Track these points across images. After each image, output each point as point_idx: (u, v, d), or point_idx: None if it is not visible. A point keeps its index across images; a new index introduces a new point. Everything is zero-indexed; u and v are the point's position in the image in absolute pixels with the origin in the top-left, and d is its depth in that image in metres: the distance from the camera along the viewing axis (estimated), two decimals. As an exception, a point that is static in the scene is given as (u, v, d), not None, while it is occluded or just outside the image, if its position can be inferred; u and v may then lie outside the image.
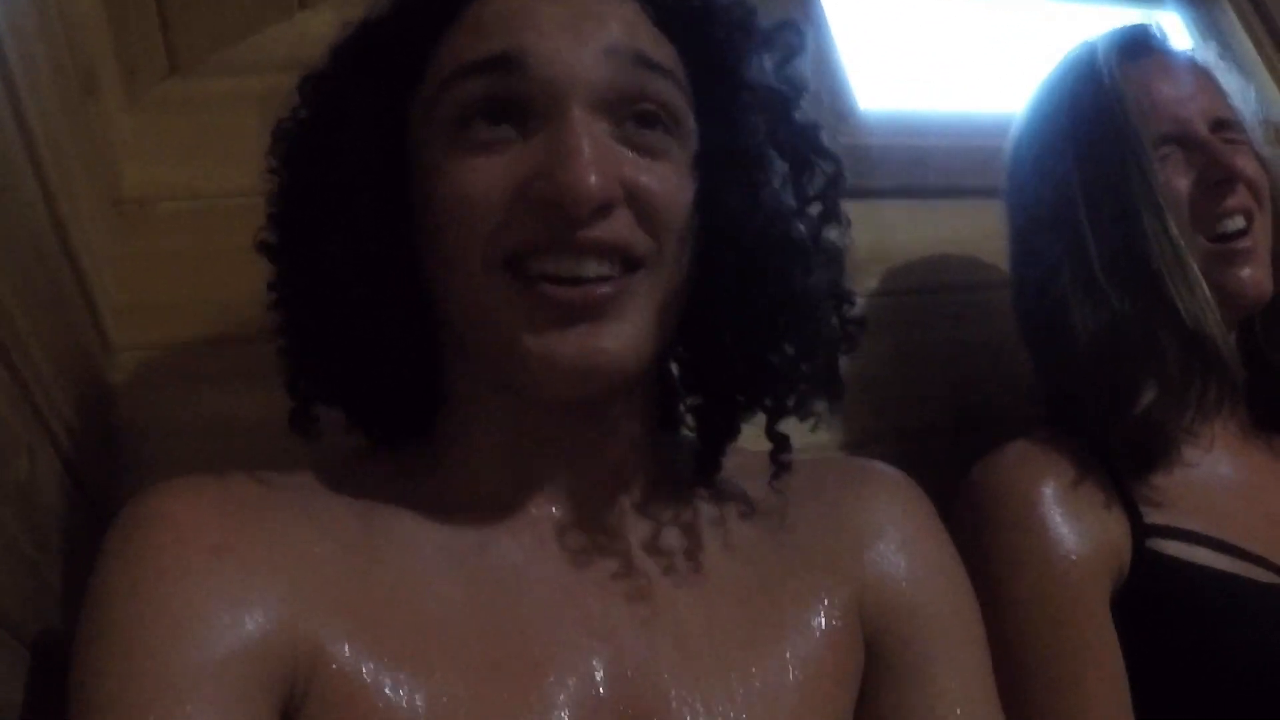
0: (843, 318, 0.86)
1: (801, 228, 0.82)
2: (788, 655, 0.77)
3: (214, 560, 0.69)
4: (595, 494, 0.83)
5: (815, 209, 0.85)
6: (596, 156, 0.72)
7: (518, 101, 0.75)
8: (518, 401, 0.79)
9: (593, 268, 0.74)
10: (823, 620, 0.80)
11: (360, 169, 0.78)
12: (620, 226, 0.75)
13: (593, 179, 0.71)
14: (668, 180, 0.77)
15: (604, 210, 0.73)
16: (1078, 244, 1.12)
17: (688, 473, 0.88)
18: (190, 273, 1.14)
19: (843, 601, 0.82)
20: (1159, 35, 1.25)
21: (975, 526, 1.04)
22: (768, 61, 0.85)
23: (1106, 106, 1.14)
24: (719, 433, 0.89)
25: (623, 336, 0.75)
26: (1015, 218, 1.25)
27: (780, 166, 0.83)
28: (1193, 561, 1.03)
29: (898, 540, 0.86)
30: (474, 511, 0.80)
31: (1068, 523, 1.04)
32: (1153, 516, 1.06)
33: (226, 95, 1.23)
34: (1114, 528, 1.06)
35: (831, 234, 0.86)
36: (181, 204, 1.17)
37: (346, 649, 0.69)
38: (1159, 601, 1.03)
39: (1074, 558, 1.03)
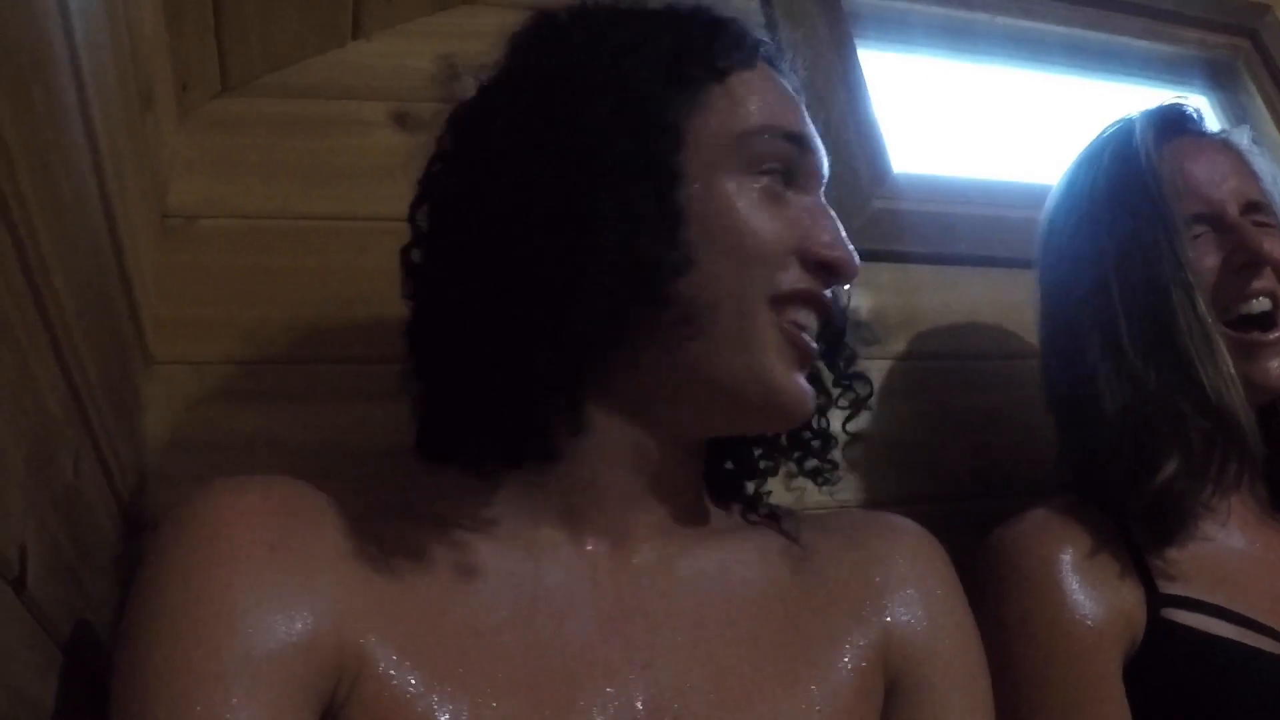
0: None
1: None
2: (815, 692, 0.81)
3: (269, 556, 0.71)
4: (653, 529, 0.86)
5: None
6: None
7: (794, 174, 0.87)
8: (653, 437, 0.85)
9: (815, 324, 0.87)
10: (848, 661, 0.84)
11: (656, 166, 0.80)
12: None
13: (856, 256, 0.86)
14: None
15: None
16: (1108, 317, 1.13)
17: (724, 517, 0.94)
18: (230, 290, 1.15)
19: (867, 645, 0.86)
20: (1195, 116, 1.27)
21: (993, 590, 1.05)
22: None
23: (1142, 184, 1.16)
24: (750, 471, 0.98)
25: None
26: (1047, 288, 1.27)
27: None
28: (1206, 632, 1.04)
29: (918, 590, 0.91)
30: (536, 534, 0.82)
31: (1083, 589, 1.05)
32: (1168, 587, 1.07)
33: (276, 117, 1.26)
34: (1129, 596, 1.07)
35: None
36: (225, 221, 1.19)
37: (393, 657, 0.70)
38: (1172, 671, 1.04)
39: (1088, 623, 1.04)
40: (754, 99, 0.86)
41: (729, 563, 0.88)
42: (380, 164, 1.24)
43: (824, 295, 0.86)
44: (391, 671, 0.70)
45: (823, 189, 0.90)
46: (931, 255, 1.48)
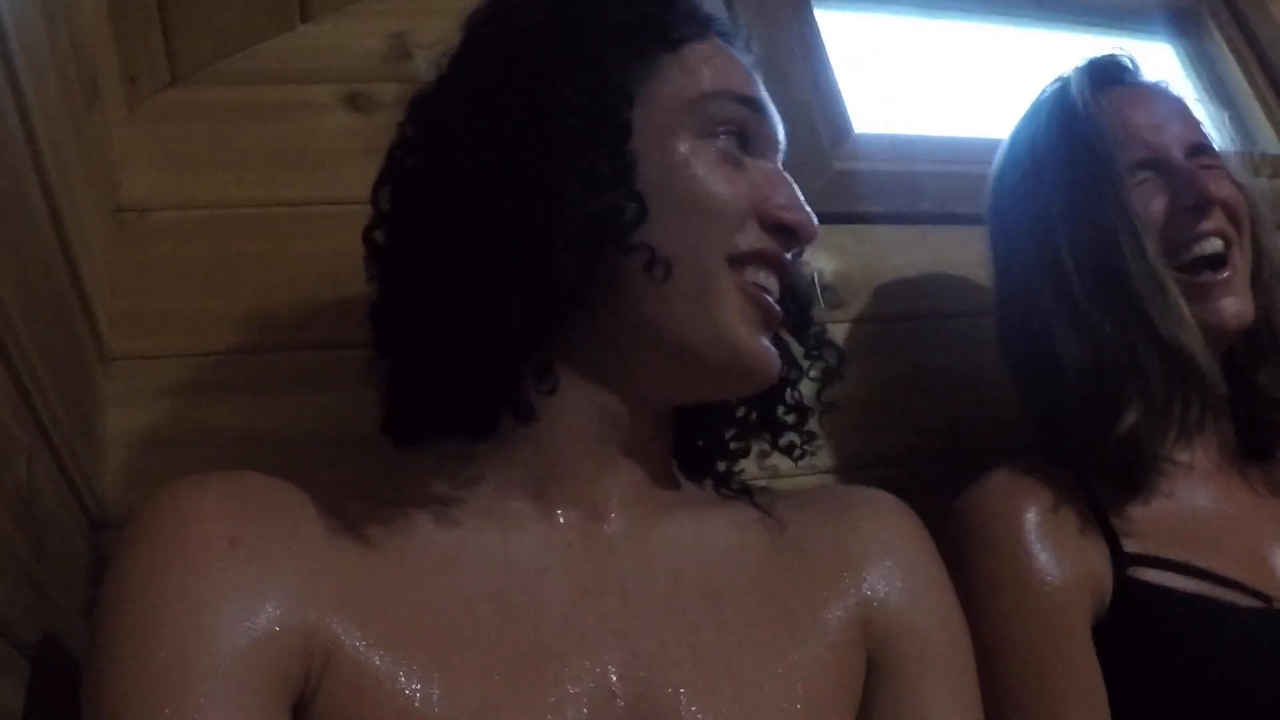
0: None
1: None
2: (796, 664, 0.81)
3: (230, 552, 0.70)
4: (630, 503, 0.86)
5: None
6: None
7: (749, 137, 0.88)
8: (622, 400, 0.85)
9: (776, 285, 0.88)
10: (829, 632, 0.85)
11: (607, 128, 0.82)
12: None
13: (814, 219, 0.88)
14: None
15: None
16: (1058, 269, 1.13)
17: (696, 491, 0.95)
18: (188, 282, 1.14)
19: (846, 616, 0.86)
20: (1131, 65, 1.27)
21: (959, 552, 1.04)
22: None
23: (1082, 133, 1.16)
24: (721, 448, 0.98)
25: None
26: (997, 245, 1.27)
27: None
28: (1173, 588, 1.04)
29: (896, 562, 0.91)
30: (504, 507, 0.82)
31: (1048, 549, 1.05)
32: (1132, 545, 1.07)
33: (226, 105, 1.25)
34: (1094, 555, 1.07)
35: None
36: (178, 213, 1.17)
37: (363, 641, 0.71)
38: (1141, 628, 1.04)
39: (1054, 582, 1.04)
40: (706, 66, 0.87)
41: (704, 534, 0.88)
42: (335, 147, 1.23)
43: (783, 257, 0.87)
44: (361, 655, 0.70)
45: (780, 156, 0.91)
46: (894, 214, 1.47)
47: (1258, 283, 1.18)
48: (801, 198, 0.87)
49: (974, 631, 0.93)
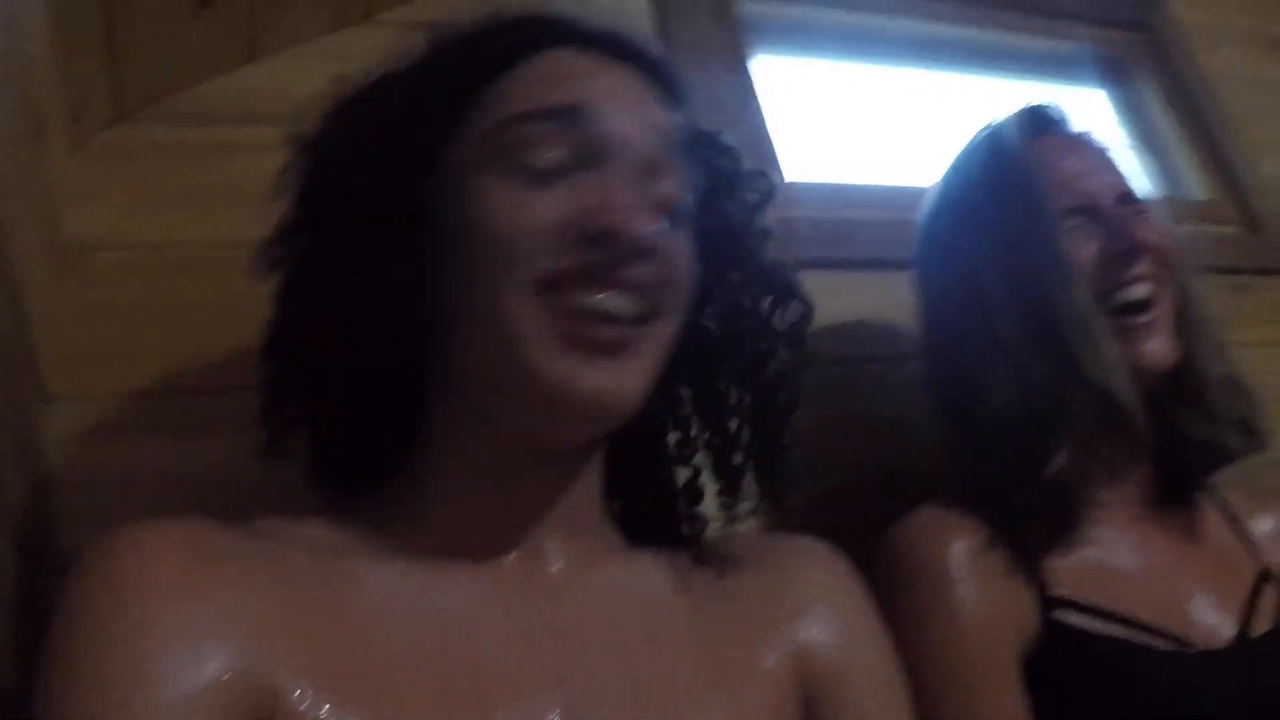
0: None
1: (762, 353, 0.94)
2: (734, 713, 0.82)
3: (176, 600, 0.70)
4: (556, 542, 0.86)
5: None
6: (644, 206, 0.80)
7: (573, 148, 0.81)
8: (501, 446, 0.83)
9: (625, 305, 0.79)
10: (765, 682, 0.85)
11: (392, 189, 0.83)
12: (650, 274, 0.80)
13: (645, 223, 0.79)
14: (684, 250, 0.85)
15: (647, 255, 0.79)
16: (989, 313, 1.16)
17: (634, 535, 0.94)
18: (131, 322, 1.14)
19: (782, 665, 0.87)
20: (1059, 114, 1.30)
21: (889, 588, 1.06)
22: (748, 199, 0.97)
23: (1014, 179, 1.19)
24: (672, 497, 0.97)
25: (634, 380, 0.80)
26: (927, 290, 1.29)
27: (757, 292, 0.95)
28: (1094, 632, 1.07)
29: (831, 610, 0.92)
30: (435, 554, 0.82)
31: (975, 583, 1.08)
32: (1056, 590, 1.10)
33: (171, 144, 1.25)
34: (1021, 595, 1.09)
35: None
36: (123, 253, 1.17)
37: (307, 691, 0.70)
38: (1063, 671, 1.06)
39: (981, 614, 1.06)
40: (526, 85, 0.84)
41: (640, 580, 0.89)
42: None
43: (616, 270, 0.78)
44: (305, 706, 0.70)
45: (627, 160, 0.82)
46: (826, 261, 1.49)
47: (1182, 326, 1.21)
48: (629, 201, 0.79)
49: (905, 667, 0.96)
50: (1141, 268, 1.18)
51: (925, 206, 1.31)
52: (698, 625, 0.87)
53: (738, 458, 0.94)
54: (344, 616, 0.76)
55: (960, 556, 1.09)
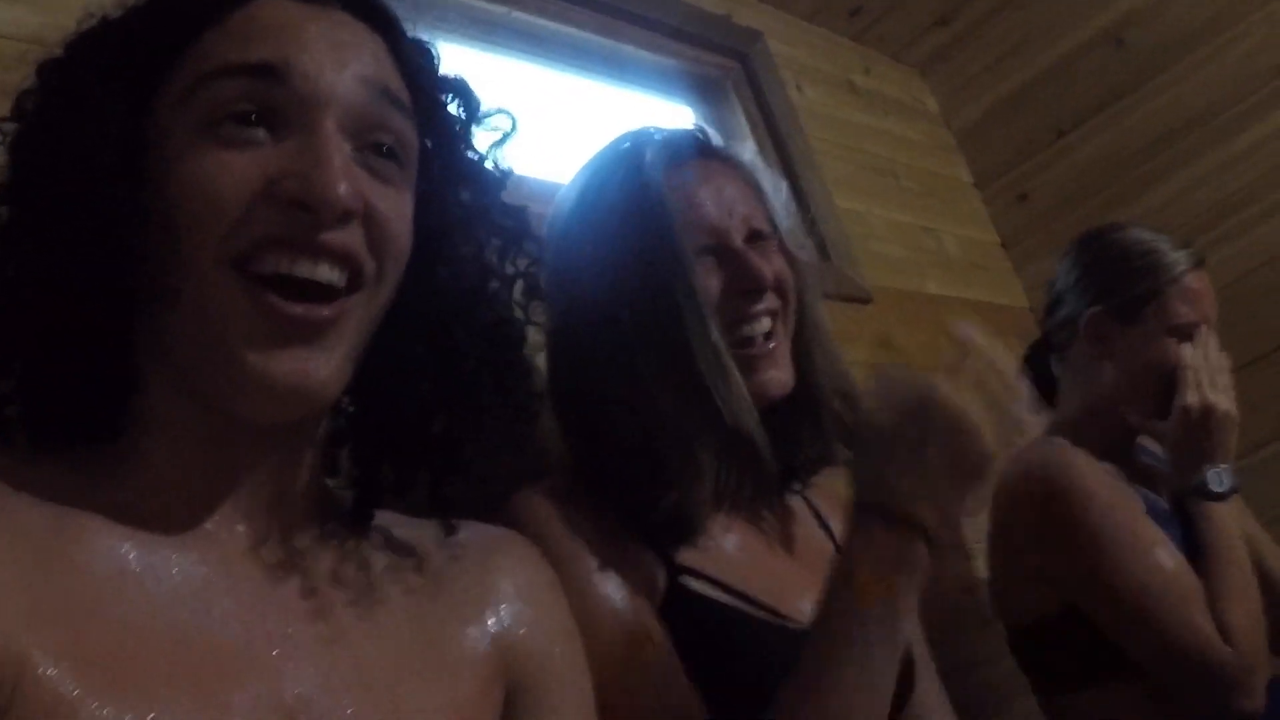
0: (520, 393, 0.91)
1: (497, 306, 0.90)
2: (447, 689, 0.83)
3: None
4: (279, 518, 0.82)
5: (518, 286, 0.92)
6: (346, 167, 0.75)
7: (273, 108, 0.75)
8: (212, 417, 0.77)
9: (325, 272, 0.75)
10: (475, 664, 0.86)
11: (93, 155, 0.73)
12: (356, 239, 0.76)
13: (343, 186, 0.73)
14: (399, 209, 0.81)
15: (345, 219, 0.75)
16: (620, 343, 1.16)
17: (349, 515, 0.90)
18: None
19: (488, 650, 0.88)
20: (705, 139, 1.31)
21: None
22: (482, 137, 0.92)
23: (651, 213, 1.18)
24: (381, 481, 0.91)
25: (333, 363, 0.76)
26: (558, 300, 1.22)
27: (488, 240, 0.91)
28: (715, 599, 1.13)
29: (530, 603, 0.93)
30: (163, 524, 0.76)
31: (604, 551, 1.10)
32: (682, 559, 1.14)
33: None
34: (647, 558, 1.13)
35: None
36: None
37: (50, 664, 0.64)
38: (687, 631, 1.10)
39: (621, 581, 1.09)
40: (229, 38, 0.77)
41: (365, 558, 0.87)
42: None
43: (310, 237, 0.74)
44: (50, 677, 0.63)
45: (333, 117, 0.76)
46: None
47: (799, 347, 1.26)
48: (332, 163, 0.74)
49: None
50: (764, 304, 1.22)
51: (559, 210, 1.29)
52: (411, 607, 0.86)
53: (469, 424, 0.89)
54: (83, 583, 0.69)
55: (589, 530, 1.11)
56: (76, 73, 0.78)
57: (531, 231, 0.95)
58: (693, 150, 1.28)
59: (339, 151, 0.75)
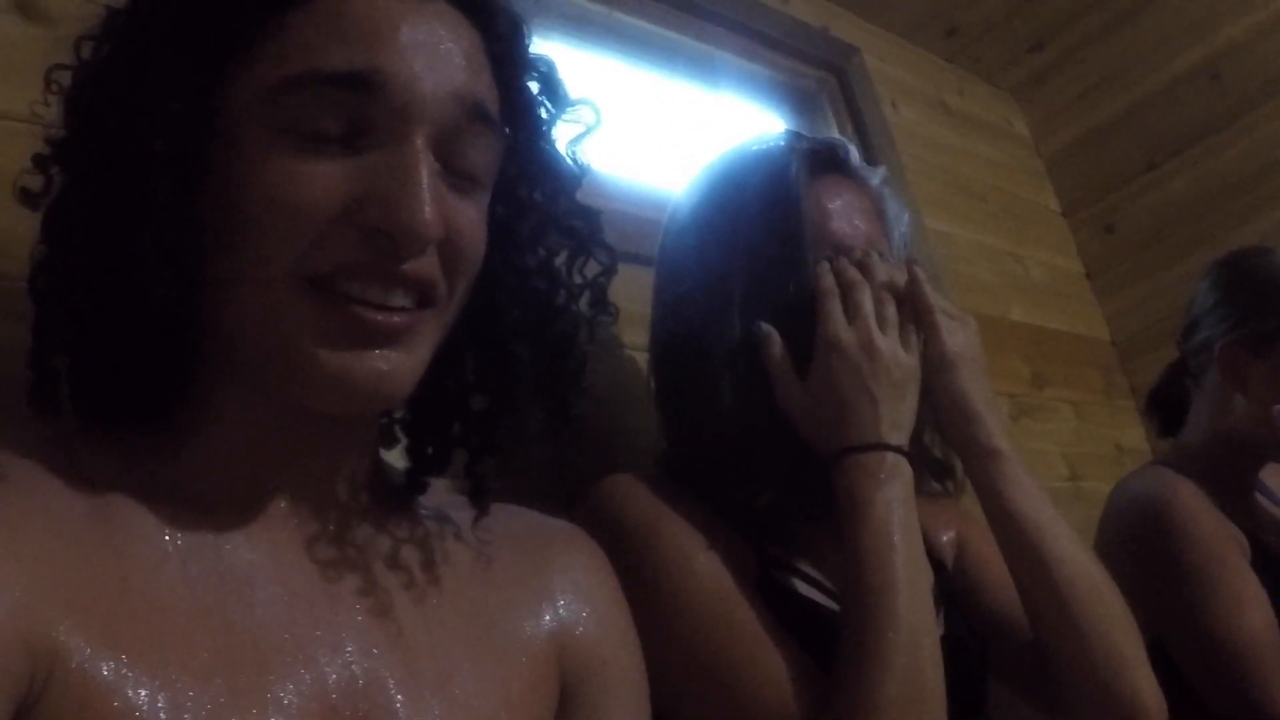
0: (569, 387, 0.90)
1: (561, 320, 0.88)
2: (503, 679, 0.81)
3: None
4: (332, 504, 0.82)
5: (585, 296, 0.90)
6: (434, 194, 0.72)
7: (361, 119, 0.72)
8: (272, 405, 0.76)
9: (399, 298, 0.74)
10: (530, 653, 0.85)
11: (154, 135, 0.69)
12: (433, 266, 0.75)
13: (429, 213, 0.71)
14: (477, 227, 0.79)
15: (428, 248, 0.73)
16: (732, 335, 1.19)
17: (402, 493, 0.90)
18: None
19: (544, 641, 0.87)
20: (845, 156, 1.33)
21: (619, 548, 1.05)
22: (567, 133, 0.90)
23: (788, 221, 1.21)
24: (430, 460, 0.90)
25: (408, 367, 0.75)
26: (666, 289, 1.30)
27: (558, 245, 0.88)
28: (803, 595, 1.15)
29: (590, 601, 0.92)
30: (212, 508, 0.74)
31: (694, 535, 1.10)
32: (773, 551, 1.16)
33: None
34: (739, 547, 1.13)
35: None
36: None
37: (87, 648, 0.63)
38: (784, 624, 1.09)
39: (713, 561, 1.09)
40: (314, 29, 0.72)
41: (413, 543, 0.86)
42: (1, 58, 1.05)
43: (389, 267, 0.72)
44: (86, 663, 0.62)
45: (423, 135, 0.73)
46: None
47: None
48: (421, 190, 0.71)
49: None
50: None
51: (684, 207, 1.31)
52: (466, 594, 0.85)
53: (518, 415, 0.88)
54: (123, 567, 0.68)
55: (676, 513, 1.12)
56: (144, 33, 0.73)
57: (602, 238, 0.91)
58: (834, 164, 1.30)
59: (429, 173, 0.72)
